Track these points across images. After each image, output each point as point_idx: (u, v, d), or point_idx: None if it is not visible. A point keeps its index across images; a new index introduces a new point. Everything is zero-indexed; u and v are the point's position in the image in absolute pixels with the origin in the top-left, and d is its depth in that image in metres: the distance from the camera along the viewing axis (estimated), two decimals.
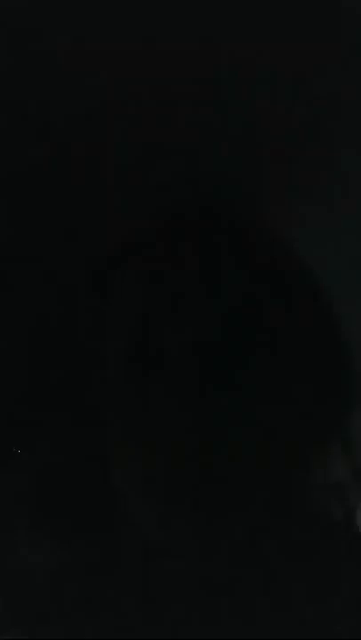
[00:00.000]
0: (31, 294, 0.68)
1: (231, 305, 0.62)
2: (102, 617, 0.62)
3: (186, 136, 0.64)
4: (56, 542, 0.65)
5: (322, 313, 0.65)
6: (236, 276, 0.63)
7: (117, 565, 0.64)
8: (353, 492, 0.64)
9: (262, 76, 0.62)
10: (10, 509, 0.67)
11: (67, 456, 0.67)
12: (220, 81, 0.62)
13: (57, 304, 0.68)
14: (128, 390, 0.63)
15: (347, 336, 0.65)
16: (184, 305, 0.63)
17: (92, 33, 0.61)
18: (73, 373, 0.68)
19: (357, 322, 0.65)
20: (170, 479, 0.61)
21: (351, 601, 0.62)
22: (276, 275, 0.65)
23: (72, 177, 0.65)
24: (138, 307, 0.64)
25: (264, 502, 0.62)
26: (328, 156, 0.65)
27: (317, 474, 0.64)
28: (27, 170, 0.65)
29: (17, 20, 0.61)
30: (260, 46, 0.61)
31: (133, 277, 0.66)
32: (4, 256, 0.68)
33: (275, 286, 0.64)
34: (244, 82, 0.62)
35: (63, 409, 0.67)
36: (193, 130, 0.64)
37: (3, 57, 0.62)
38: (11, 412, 0.68)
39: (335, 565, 0.63)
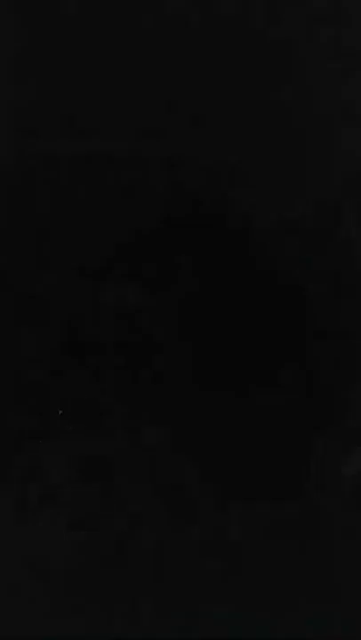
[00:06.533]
0: None
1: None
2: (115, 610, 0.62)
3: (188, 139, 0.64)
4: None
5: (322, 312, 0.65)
6: None
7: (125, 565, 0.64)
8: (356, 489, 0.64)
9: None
10: None
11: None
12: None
13: None
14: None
15: (348, 333, 0.65)
16: None
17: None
18: None
19: (358, 317, 0.65)
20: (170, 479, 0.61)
21: (351, 601, 0.62)
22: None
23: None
24: None
25: (265, 499, 0.62)
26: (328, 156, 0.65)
27: (317, 473, 0.64)
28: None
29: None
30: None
31: None
32: None
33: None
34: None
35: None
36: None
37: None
38: None
39: (336, 565, 0.63)
